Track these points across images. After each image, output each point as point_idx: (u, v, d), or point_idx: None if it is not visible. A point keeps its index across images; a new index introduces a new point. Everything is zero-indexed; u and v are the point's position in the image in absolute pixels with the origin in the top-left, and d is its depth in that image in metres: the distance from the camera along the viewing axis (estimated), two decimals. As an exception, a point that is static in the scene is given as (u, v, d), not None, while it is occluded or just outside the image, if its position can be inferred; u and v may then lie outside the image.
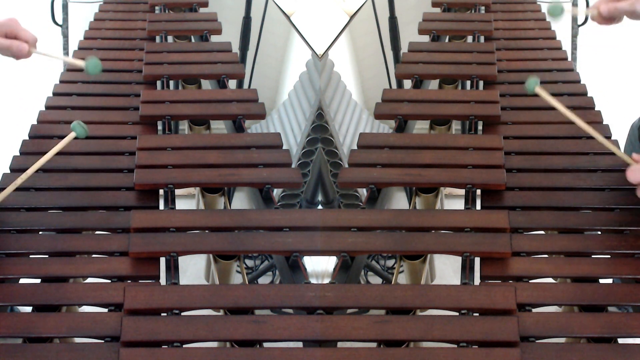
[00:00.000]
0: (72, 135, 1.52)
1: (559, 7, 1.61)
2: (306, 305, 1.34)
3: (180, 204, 1.65)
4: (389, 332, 1.28)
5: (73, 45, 2.29)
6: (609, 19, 1.69)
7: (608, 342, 1.29)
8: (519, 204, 1.58)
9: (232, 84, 2.04)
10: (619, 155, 1.51)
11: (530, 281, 1.41)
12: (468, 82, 2.05)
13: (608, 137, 1.77)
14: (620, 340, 1.30)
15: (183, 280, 1.61)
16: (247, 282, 1.70)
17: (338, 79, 2.69)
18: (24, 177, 1.49)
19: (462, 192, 1.65)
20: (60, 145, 1.52)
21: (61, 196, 1.59)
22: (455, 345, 1.28)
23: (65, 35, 2.80)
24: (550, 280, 1.49)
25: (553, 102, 1.54)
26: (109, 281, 1.41)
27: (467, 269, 1.45)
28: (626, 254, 1.45)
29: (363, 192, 2.46)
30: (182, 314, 1.32)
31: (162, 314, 1.33)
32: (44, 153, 1.72)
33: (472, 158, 1.68)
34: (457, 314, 1.32)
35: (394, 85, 2.89)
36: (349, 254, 1.49)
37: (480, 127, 1.85)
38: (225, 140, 1.78)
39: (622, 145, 1.83)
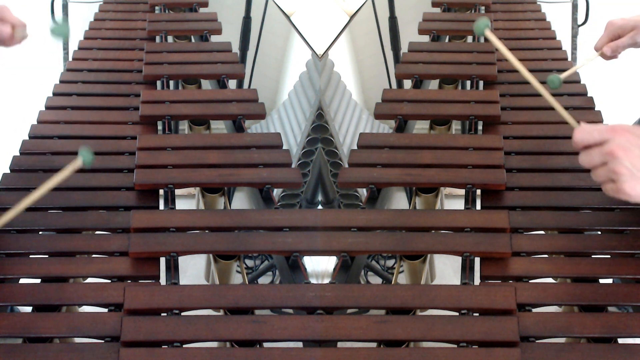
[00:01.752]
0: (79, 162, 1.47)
1: (555, 79, 1.62)
2: (306, 305, 1.33)
3: (180, 204, 1.65)
4: (389, 332, 1.28)
5: (73, 45, 2.29)
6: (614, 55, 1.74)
7: (608, 342, 1.29)
8: (519, 204, 1.58)
9: (232, 84, 2.04)
10: (567, 119, 1.41)
11: (530, 281, 1.41)
12: (468, 82, 2.05)
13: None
14: (620, 340, 1.30)
15: (183, 280, 1.61)
16: (247, 282, 1.70)
17: (338, 79, 2.69)
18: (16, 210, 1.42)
19: (462, 192, 1.65)
20: (63, 174, 1.47)
21: (61, 196, 1.59)
22: (455, 345, 1.28)
23: (65, 35, 2.80)
24: (550, 280, 1.49)
25: (505, 51, 1.46)
26: (109, 281, 1.41)
27: (467, 269, 1.45)
28: (626, 254, 1.45)
29: (363, 192, 2.46)
30: (182, 314, 1.32)
31: (162, 314, 1.33)
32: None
33: (472, 158, 1.68)
34: (457, 314, 1.32)
35: (394, 85, 2.89)
36: (349, 254, 1.49)
37: (480, 127, 1.85)
38: (225, 140, 1.78)
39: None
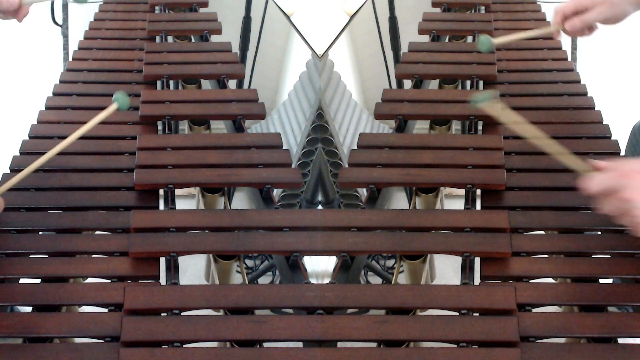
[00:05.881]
0: (114, 106, 1.49)
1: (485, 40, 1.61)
2: (306, 305, 1.33)
3: (180, 204, 1.65)
4: (389, 332, 1.28)
5: (73, 45, 2.29)
6: (578, 32, 1.64)
7: (608, 342, 1.29)
8: (519, 204, 1.58)
9: (232, 84, 2.04)
10: (575, 166, 1.39)
11: (530, 281, 1.41)
12: (468, 82, 2.05)
13: (608, 137, 1.77)
14: (620, 340, 1.30)
15: (183, 280, 1.61)
16: (247, 282, 1.70)
17: (338, 79, 2.69)
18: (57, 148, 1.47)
19: (462, 192, 1.65)
20: (101, 116, 1.49)
21: (61, 196, 1.59)
22: (455, 345, 1.28)
23: (65, 35, 2.80)
24: (550, 280, 1.49)
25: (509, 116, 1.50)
26: (109, 281, 1.41)
27: (467, 269, 1.45)
28: (626, 254, 1.45)
29: (363, 192, 2.46)
30: (182, 314, 1.32)
31: (162, 314, 1.33)
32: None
33: (472, 158, 1.68)
34: (457, 314, 1.32)
35: (394, 85, 2.89)
36: (349, 254, 1.49)
37: (480, 127, 1.85)
38: (225, 140, 1.78)
39: (622, 146, 1.83)
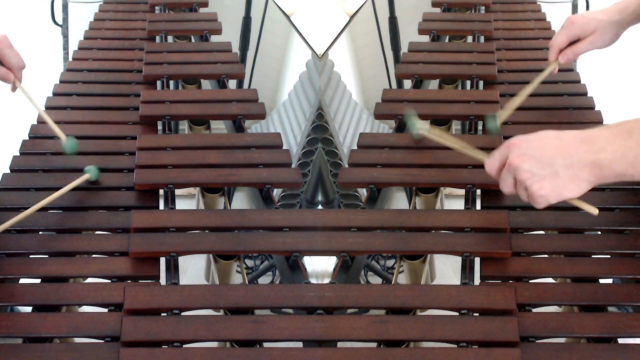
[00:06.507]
0: (86, 176, 1.55)
1: (492, 126, 1.65)
2: (306, 305, 1.34)
3: (180, 204, 1.65)
4: (389, 332, 1.28)
5: (73, 45, 2.29)
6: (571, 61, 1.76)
7: (608, 342, 1.30)
8: (519, 204, 1.58)
9: (232, 84, 2.04)
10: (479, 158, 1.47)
11: (530, 281, 1.41)
12: (468, 82, 2.05)
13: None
14: (620, 340, 1.30)
15: (183, 280, 1.61)
16: (247, 282, 1.70)
17: (338, 79, 2.70)
18: (22, 215, 1.49)
19: (462, 192, 1.65)
20: (71, 185, 1.55)
21: (61, 196, 1.59)
22: (455, 345, 1.28)
23: (65, 35, 2.80)
24: (550, 280, 1.49)
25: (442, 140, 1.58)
26: (109, 281, 1.41)
27: (467, 269, 1.45)
28: (626, 254, 1.45)
29: (363, 192, 2.46)
30: (182, 314, 1.32)
31: (162, 314, 1.33)
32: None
33: (472, 158, 1.68)
34: (457, 314, 1.32)
35: (394, 85, 2.90)
36: (349, 254, 1.49)
37: (480, 127, 1.85)
38: (225, 140, 1.78)
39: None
